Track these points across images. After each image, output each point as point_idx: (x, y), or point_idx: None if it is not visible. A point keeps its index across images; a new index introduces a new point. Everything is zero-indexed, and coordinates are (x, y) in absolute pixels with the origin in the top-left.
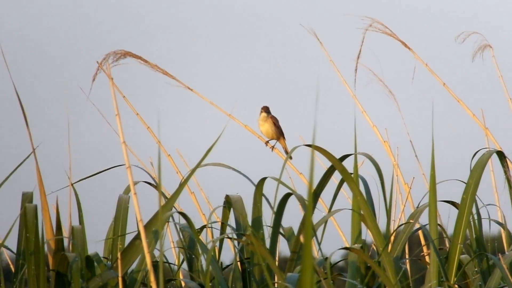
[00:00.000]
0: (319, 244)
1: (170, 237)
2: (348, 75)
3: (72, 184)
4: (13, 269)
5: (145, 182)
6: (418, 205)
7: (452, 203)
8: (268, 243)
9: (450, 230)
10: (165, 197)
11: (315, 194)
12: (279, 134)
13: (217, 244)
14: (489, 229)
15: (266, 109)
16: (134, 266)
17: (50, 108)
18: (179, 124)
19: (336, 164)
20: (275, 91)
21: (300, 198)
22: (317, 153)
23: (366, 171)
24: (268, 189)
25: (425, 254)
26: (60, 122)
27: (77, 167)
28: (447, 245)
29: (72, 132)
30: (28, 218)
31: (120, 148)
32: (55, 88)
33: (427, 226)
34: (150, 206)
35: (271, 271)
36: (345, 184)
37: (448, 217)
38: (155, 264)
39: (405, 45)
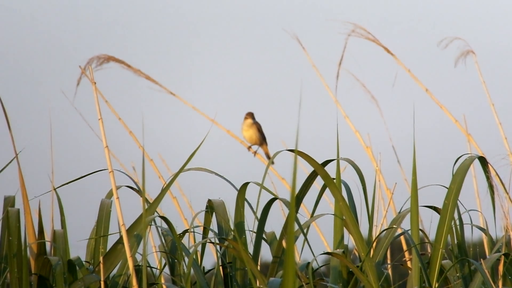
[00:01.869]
0: (307, 242)
1: (152, 241)
2: (330, 80)
3: (55, 189)
4: None
5: (128, 186)
6: (400, 210)
7: (434, 208)
8: (251, 248)
9: (432, 235)
10: (148, 201)
11: (297, 199)
12: (262, 140)
13: (199, 248)
14: (471, 234)
15: (251, 116)
16: (116, 270)
17: (33, 113)
18: (162, 129)
19: (318, 169)
20: (257, 96)
21: (285, 202)
22: (299, 158)
23: (349, 176)
24: (251, 194)
25: (407, 259)
26: (43, 127)
27: (59, 172)
28: (429, 250)
29: (55, 137)
30: (10, 222)
31: (103, 152)
32: (38, 92)
33: (409, 232)
34: (132, 211)
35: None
36: (327, 190)
37: (430, 222)
38: (137, 268)
39: (388, 51)
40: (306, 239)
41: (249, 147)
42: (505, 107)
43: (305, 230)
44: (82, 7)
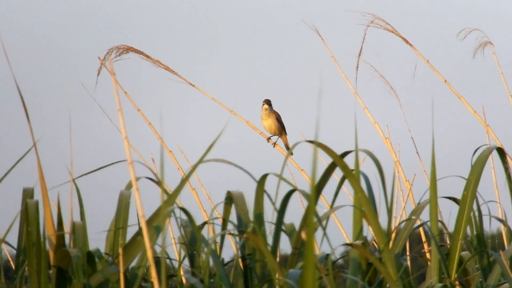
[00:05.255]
0: (325, 235)
1: (171, 233)
2: (349, 72)
3: (73, 180)
4: (13, 266)
5: (148, 178)
6: (419, 201)
7: (453, 199)
8: (270, 239)
9: (451, 226)
10: (167, 193)
11: (317, 191)
12: (282, 129)
13: (219, 240)
14: (490, 225)
15: (268, 102)
16: (135, 262)
17: (51, 102)
18: (181, 120)
19: (338, 160)
20: (276, 87)
21: (304, 194)
22: (318, 149)
23: (368, 167)
24: (270, 185)
25: (426, 251)
26: (61, 117)
27: (78, 162)
28: (448, 242)
29: (74, 127)
30: (30, 214)
31: (122, 143)
32: (56, 82)
33: (428, 223)
34: (150, 202)
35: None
36: (346, 181)
37: (449, 214)
38: (156, 260)
39: (407, 42)
40: (325, 233)
41: (269, 138)
42: None
43: (324, 222)
44: None
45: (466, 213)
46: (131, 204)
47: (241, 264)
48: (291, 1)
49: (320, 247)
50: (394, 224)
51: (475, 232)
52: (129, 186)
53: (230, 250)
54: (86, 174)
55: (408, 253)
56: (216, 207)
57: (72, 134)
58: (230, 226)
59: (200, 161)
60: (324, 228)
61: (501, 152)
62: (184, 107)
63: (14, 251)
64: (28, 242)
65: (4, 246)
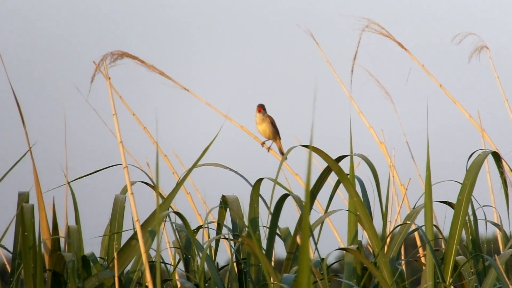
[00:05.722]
0: (315, 244)
1: (166, 237)
2: (344, 76)
3: (68, 183)
4: (9, 270)
5: (143, 182)
6: (414, 206)
7: (448, 204)
8: (265, 244)
9: (446, 231)
10: (162, 197)
11: (311, 195)
12: (276, 134)
13: (213, 244)
14: (485, 230)
15: (261, 107)
16: (130, 266)
17: (47, 107)
18: (176, 125)
19: (332, 165)
20: (271, 92)
21: (297, 199)
22: (313, 153)
23: (363, 172)
24: (264, 189)
25: (421, 255)
26: (56, 121)
27: (73, 167)
28: (443, 246)
29: (69, 131)
30: (25, 218)
31: (117, 148)
32: (52, 87)
33: (423, 227)
34: (145, 206)
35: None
36: (341, 185)
37: (444, 218)
38: (151, 264)
39: (402, 46)
40: (315, 243)
41: (263, 143)
42: None
43: (319, 226)
44: (96, 3)
45: (461, 218)
46: (126, 208)
47: (235, 269)
48: (286, 5)
49: (315, 251)
50: (389, 228)
51: (470, 237)
52: (124, 190)
53: (225, 254)
54: (81, 177)
55: (403, 258)
56: (211, 211)
57: (67, 138)
58: (225, 230)
59: (195, 165)
60: (315, 240)
61: (497, 156)
62: (179, 112)
63: (10, 255)
64: (24, 246)
65: (0, 249)
